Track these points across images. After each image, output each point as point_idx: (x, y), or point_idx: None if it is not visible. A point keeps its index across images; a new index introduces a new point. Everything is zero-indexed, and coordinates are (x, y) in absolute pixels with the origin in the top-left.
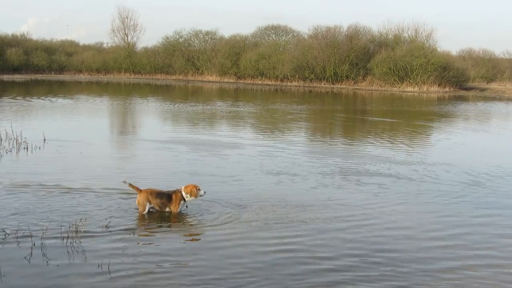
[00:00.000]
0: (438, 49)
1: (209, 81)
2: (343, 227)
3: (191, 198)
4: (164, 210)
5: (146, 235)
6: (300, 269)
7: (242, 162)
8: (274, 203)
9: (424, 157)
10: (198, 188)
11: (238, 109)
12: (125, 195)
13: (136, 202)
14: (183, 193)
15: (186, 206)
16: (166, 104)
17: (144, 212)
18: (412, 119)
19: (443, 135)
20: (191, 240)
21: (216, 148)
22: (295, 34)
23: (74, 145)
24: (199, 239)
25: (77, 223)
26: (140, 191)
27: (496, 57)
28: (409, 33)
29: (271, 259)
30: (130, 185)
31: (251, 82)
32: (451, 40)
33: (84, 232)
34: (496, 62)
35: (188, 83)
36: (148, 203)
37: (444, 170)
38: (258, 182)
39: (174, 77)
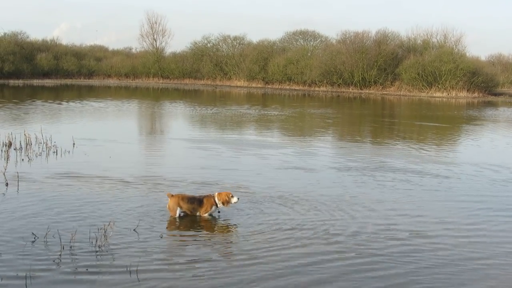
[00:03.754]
0: (467, 54)
1: (237, 86)
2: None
3: (223, 206)
4: (195, 214)
5: (175, 239)
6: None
7: (280, 161)
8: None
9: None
10: (231, 195)
11: (267, 112)
12: (154, 199)
13: (167, 207)
14: (216, 199)
15: (218, 212)
16: (199, 108)
17: (176, 216)
18: (442, 123)
19: (470, 138)
20: (220, 245)
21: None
22: (323, 39)
23: (103, 149)
24: (230, 244)
25: (105, 226)
26: (172, 196)
27: None
28: (437, 38)
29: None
30: (168, 193)
31: (279, 87)
32: (481, 45)
33: (113, 235)
34: None
35: (216, 88)
36: (179, 208)
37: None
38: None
39: (202, 82)
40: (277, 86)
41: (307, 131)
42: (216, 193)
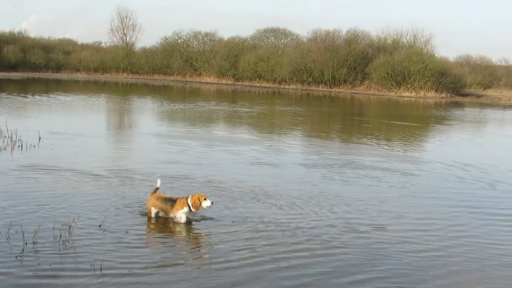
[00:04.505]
0: (436, 55)
1: (207, 83)
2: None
3: (194, 211)
4: (169, 216)
5: (141, 236)
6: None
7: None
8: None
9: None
10: (204, 198)
11: (237, 109)
12: (121, 194)
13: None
14: (189, 201)
15: (191, 217)
16: (168, 103)
17: (152, 217)
18: (409, 122)
19: (435, 137)
20: (186, 241)
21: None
22: (294, 37)
23: (70, 143)
24: (197, 241)
25: (70, 222)
26: (151, 194)
27: (493, 64)
28: (407, 39)
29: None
30: (157, 189)
31: (249, 84)
32: (449, 46)
33: (78, 230)
34: (493, 69)
35: (186, 84)
36: (153, 208)
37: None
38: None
39: (172, 77)
40: (247, 83)
41: (277, 128)
42: (190, 196)
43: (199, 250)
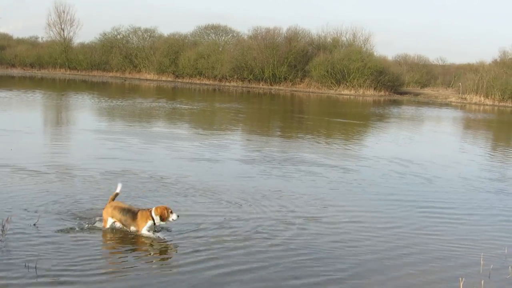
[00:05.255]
0: (375, 53)
1: (146, 79)
2: None
3: (161, 223)
4: (129, 229)
5: (78, 236)
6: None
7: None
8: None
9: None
10: (170, 210)
11: (177, 106)
12: (57, 191)
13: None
14: (153, 214)
15: (156, 230)
16: (107, 100)
17: (107, 227)
18: (348, 119)
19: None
20: (122, 242)
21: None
22: (235, 35)
23: (4, 139)
24: (140, 239)
25: (2, 221)
26: (109, 203)
27: (430, 63)
28: (347, 37)
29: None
30: (116, 195)
31: (189, 81)
32: (388, 45)
33: (11, 229)
34: (430, 68)
35: (125, 80)
36: (110, 218)
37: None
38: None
39: (111, 74)
40: (187, 80)
41: (217, 125)
42: (154, 208)
43: (142, 249)
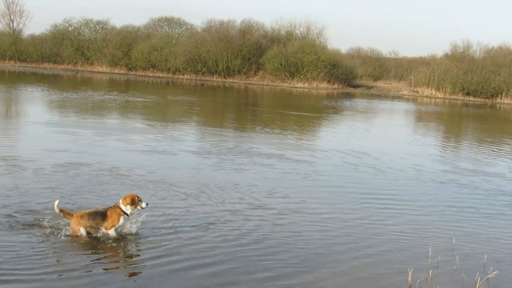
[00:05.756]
0: (329, 47)
1: (99, 72)
2: None
3: (134, 210)
4: (100, 233)
5: (32, 233)
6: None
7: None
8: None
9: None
10: (139, 198)
11: (130, 99)
12: (6, 184)
13: (71, 231)
14: (122, 206)
15: (129, 224)
16: (58, 92)
17: (84, 237)
18: (302, 112)
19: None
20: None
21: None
22: (189, 27)
23: None
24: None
25: None
26: (71, 216)
27: (383, 56)
28: (301, 30)
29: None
30: (62, 211)
31: (143, 74)
32: (341, 39)
33: None
34: (383, 61)
35: (77, 73)
36: (82, 228)
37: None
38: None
39: (62, 66)
40: (140, 73)
41: (171, 118)
42: (120, 199)
43: (109, 247)
